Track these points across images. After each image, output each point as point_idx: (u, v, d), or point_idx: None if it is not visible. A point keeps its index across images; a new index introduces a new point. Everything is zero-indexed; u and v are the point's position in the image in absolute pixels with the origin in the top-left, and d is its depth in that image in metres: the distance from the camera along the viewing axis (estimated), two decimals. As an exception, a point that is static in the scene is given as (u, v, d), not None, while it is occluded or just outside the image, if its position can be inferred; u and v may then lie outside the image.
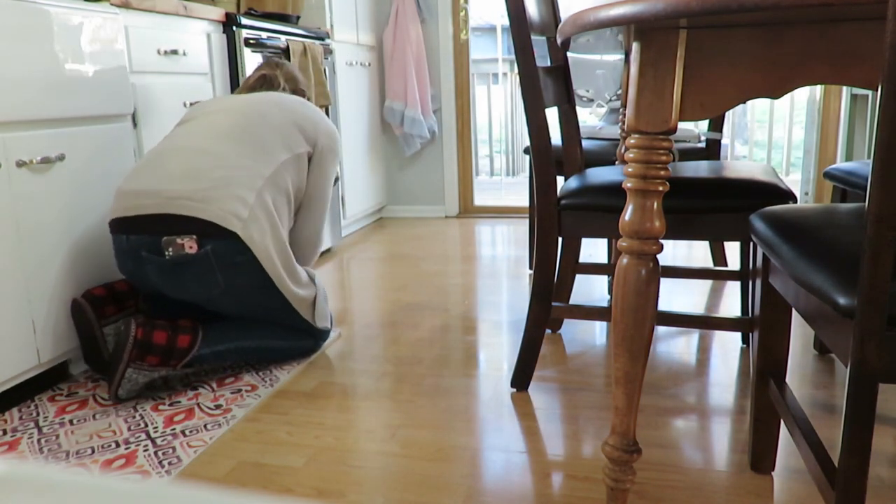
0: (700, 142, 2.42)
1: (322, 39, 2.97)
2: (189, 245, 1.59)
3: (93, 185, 1.78)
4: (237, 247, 1.63)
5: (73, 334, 1.73)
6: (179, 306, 1.79)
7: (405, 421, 1.52)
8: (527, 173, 4.21)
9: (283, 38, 2.61)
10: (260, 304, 1.74)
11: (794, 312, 1.84)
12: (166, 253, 1.60)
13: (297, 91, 2.08)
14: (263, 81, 2.02)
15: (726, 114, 3.04)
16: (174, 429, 1.50)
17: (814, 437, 0.99)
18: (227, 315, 1.78)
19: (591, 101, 3.01)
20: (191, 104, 2.15)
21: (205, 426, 1.51)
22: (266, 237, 1.69)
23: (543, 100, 1.52)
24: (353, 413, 1.57)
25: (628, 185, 1.03)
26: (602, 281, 2.58)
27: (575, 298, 2.35)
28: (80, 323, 1.70)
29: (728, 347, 1.89)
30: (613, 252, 2.27)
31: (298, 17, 2.94)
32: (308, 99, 2.13)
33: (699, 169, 1.62)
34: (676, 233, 1.46)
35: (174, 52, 2.08)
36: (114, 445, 1.44)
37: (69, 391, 1.71)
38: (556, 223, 1.54)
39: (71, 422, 1.55)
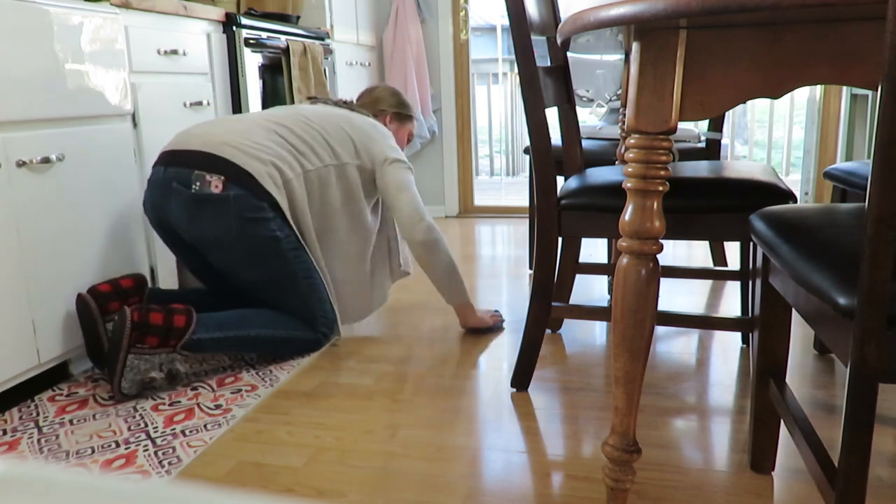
0: (700, 142, 2.42)
1: (322, 39, 2.97)
2: (216, 185, 1.69)
3: (93, 185, 1.77)
4: (257, 204, 1.73)
5: (74, 334, 1.73)
6: (198, 262, 1.90)
7: (405, 421, 1.52)
8: (527, 173, 4.21)
9: (283, 38, 2.61)
10: (269, 266, 1.78)
11: (794, 312, 1.84)
12: (193, 186, 1.70)
13: (379, 113, 2.23)
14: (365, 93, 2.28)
15: (726, 114, 3.04)
16: (174, 429, 1.50)
17: (814, 437, 0.99)
18: (238, 275, 1.81)
19: (591, 101, 3.01)
20: (191, 104, 2.16)
21: (205, 426, 1.51)
22: (296, 210, 1.84)
23: (543, 100, 1.52)
24: (353, 413, 1.57)
25: (628, 185, 1.03)
26: (602, 281, 2.58)
27: (575, 298, 2.35)
28: (83, 318, 1.70)
29: (728, 347, 1.89)
30: (613, 252, 2.27)
31: (298, 17, 2.94)
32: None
33: (699, 169, 1.62)
34: (676, 233, 1.46)
35: (174, 52, 2.08)
36: (114, 445, 1.44)
37: (69, 391, 1.71)
38: (556, 223, 1.54)
39: (71, 422, 1.55)
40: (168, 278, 2.08)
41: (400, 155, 2.02)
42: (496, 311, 2.15)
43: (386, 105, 2.24)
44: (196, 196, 1.70)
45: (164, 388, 1.70)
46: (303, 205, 1.85)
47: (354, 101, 2.22)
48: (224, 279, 1.93)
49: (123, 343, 1.59)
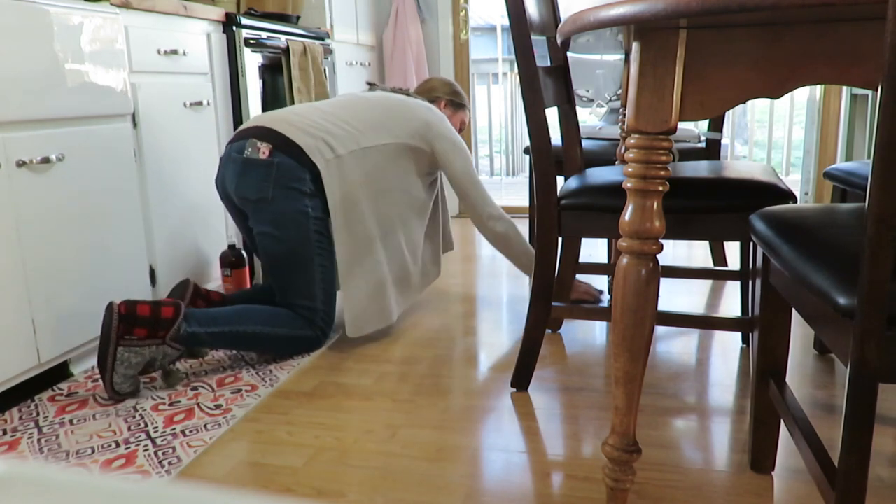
0: (700, 142, 2.42)
1: (322, 39, 2.97)
2: (263, 151, 1.87)
3: (93, 185, 1.77)
4: (299, 175, 1.87)
5: (74, 334, 1.73)
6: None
7: (405, 421, 1.52)
8: (527, 173, 4.21)
9: (283, 38, 2.61)
10: (291, 238, 1.86)
11: (794, 312, 1.84)
12: (245, 152, 1.88)
13: (433, 100, 2.37)
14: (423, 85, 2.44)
15: (726, 114, 3.04)
16: (174, 429, 1.50)
17: (814, 437, 0.99)
18: (263, 242, 1.89)
19: (591, 101, 3.01)
20: (191, 104, 2.16)
21: (205, 426, 1.51)
22: (347, 185, 1.92)
23: (543, 100, 1.52)
24: (353, 413, 1.57)
25: (628, 185, 1.03)
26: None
27: (575, 298, 2.35)
28: (103, 329, 1.61)
29: (728, 347, 1.89)
30: (613, 252, 2.27)
31: (298, 17, 2.94)
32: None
33: (699, 169, 1.62)
34: (676, 233, 1.46)
35: (174, 52, 2.08)
36: (114, 445, 1.44)
37: (69, 391, 1.71)
38: (556, 223, 1.54)
39: (71, 422, 1.55)
40: (168, 277, 2.07)
41: (456, 138, 2.13)
42: (599, 290, 2.33)
43: (440, 93, 2.39)
44: (246, 160, 1.87)
45: (163, 388, 1.70)
46: (353, 179, 1.93)
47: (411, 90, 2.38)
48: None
49: (112, 336, 1.59)
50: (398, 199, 2.07)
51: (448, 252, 2.50)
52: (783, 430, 1.37)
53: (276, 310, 1.86)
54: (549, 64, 1.84)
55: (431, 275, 2.29)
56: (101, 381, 1.75)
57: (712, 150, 2.35)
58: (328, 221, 1.92)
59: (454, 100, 2.40)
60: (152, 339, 1.63)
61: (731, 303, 2.28)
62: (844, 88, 3.31)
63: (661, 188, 1.01)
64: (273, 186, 1.85)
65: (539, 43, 1.72)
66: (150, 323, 1.63)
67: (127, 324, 1.60)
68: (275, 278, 1.91)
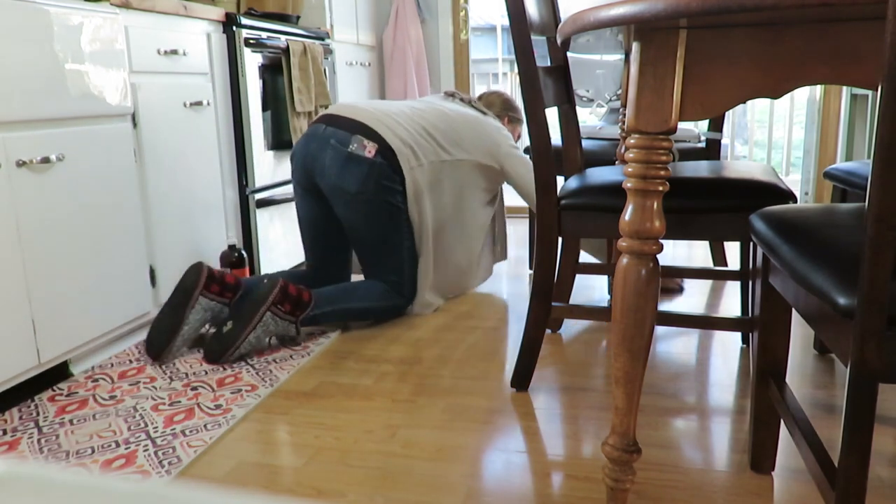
0: (700, 142, 2.42)
1: (322, 39, 2.97)
2: (370, 150, 2.07)
3: (93, 185, 1.77)
4: (392, 176, 2.10)
5: (73, 334, 1.73)
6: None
7: (405, 421, 1.52)
8: (527, 173, 4.18)
9: (283, 38, 2.61)
10: (385, 227, 2.12)
11: (794, 312, 1.84)
12: (350, 146, 2.07)
13: (499, 115, 2.57)
14: (481, 98, 2.63)
15: (726, 114, 3.04)
16: (174, 429, 1.50)
17: (814, 437, 0.99)
18: (355, 227, 2.14)
19: (591, 101, 3.00)
20: (191, 104, 2.16)
21: (205, 426, 1.51)
22: (424, 199, 2.17)
23: (543, 100, 1.52)
24: (353, 413, 1.57)
25: (628, 185, 1.03)
26: (602, 281, 2.58)
27: (575, 298, 2.35)
28: (186, 282, 1.89)
29: (728, 347, 1.89)
30: (613, 252, 2.27)
31: (298, 17, 2.94)
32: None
33: (699, 169, 1.62)
34: (676, 233, 1.46)
35: (174, 52, 2.08)
36: (114, 445, 1.44)
37: (69, 391, 1.71)
38: (556, 223, 1.54)
39: (71, 422, 1.55)
40: (168, 277, 2.07)
41: (521, 154, 2.35)
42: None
43: (499, 109, 2.59)
44: (351, 154, 2.07)
45: (161, 388, 1.70)
46: (422, 188, 2.17)
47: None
48: (322, 234, 2.28)
49: (270, 298, 1.86)
50: (465, 207, 2.30)
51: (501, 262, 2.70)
52: (783, 430, 1.37)
53: (370, 284, 2.14)
54: (549, 64, 1.84)
55: (479, 277, 2.49)
56: (101, 381, 1.75)
57: (712, 150, 2.35)
58: (409, 213, 2.20)
59: (513, 115, 2.62)
60: (290, 316, 1.92)
61: (731, 303, 2.28)
62: (844, 88, 3.31)
63: (661, 188, 1.01)
64: (373, 183, 2.07)
65: (539, 43, 1.72)
66: (294, 301, 1.93)
67: (282, 294, 1.90)
68: (365, 257, 2.18)
